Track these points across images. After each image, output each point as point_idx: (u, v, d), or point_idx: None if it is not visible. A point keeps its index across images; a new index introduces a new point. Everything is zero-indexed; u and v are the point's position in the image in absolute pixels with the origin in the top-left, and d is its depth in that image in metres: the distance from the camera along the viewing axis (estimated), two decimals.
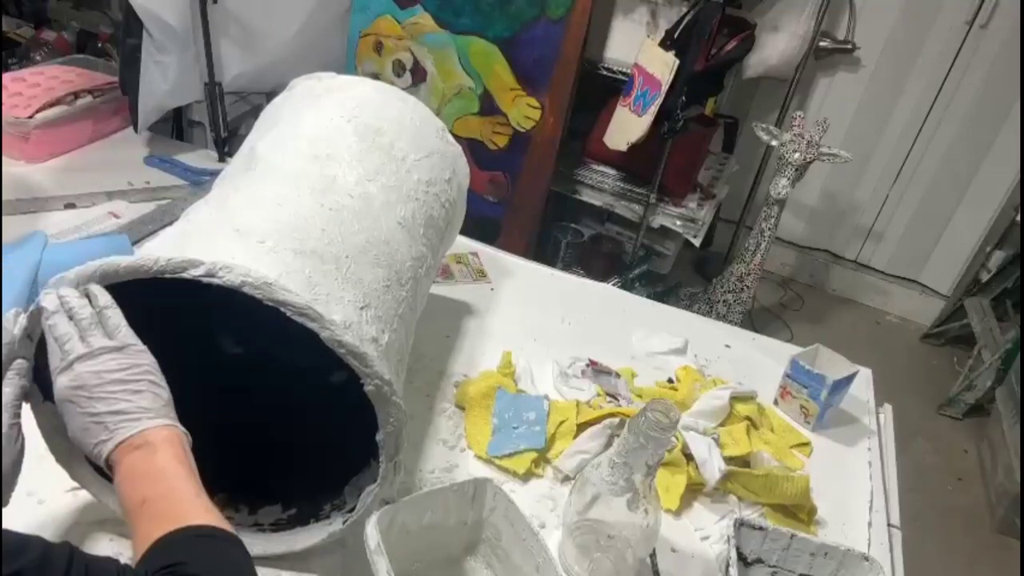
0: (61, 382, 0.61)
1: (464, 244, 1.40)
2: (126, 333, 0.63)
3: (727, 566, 0.79)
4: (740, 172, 2.82)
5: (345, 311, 0.67)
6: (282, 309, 0.63)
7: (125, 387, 0.61)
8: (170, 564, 0.52)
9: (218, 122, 1.68)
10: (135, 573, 0.52)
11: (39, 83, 1.52)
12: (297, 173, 0.80)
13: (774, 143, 2.25)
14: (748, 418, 1.07)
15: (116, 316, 0.63)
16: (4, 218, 1.27)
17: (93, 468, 0.74)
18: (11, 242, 1.17)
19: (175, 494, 0.59)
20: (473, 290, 1.30)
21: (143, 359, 0.63)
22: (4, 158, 1.42)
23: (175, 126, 1.98)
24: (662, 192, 2.29)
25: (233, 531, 0.58)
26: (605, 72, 2.24)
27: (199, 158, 1.60)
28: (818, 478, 0.98)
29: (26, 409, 0.68)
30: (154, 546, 0.54)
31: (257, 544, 0.77)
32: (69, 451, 0.72)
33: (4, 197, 1.30)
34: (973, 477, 2.39)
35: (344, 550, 0.80)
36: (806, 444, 1.10)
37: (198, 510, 0.58)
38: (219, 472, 0.81)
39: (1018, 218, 2.56)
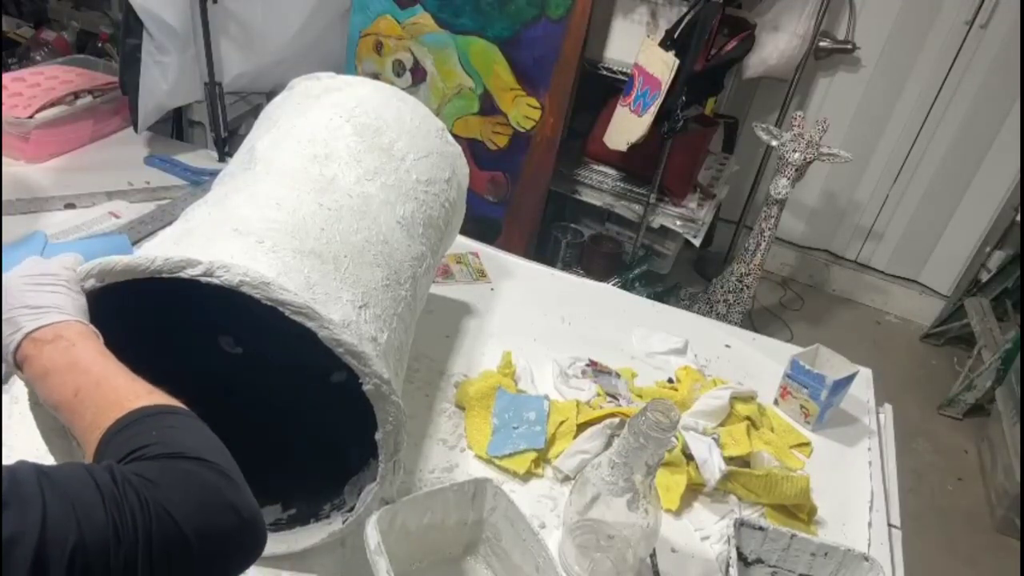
0: None
1: (464, 244, 1.40)
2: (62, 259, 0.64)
3: (727, 566, 0.79)
4: (740, 172, 2.82)
5: (344, 310, 0.67)
6: (281, 308, 0.62)
7: (40, 288, 0.61)
8: (135, 449, 0.48)
9: (218, 122, 1.68)
10: (104, 468, 0.46)
11: (39, 83, 1.52)
12: (296, 173, 0.80)
13: (774, 143, 2.25)
14: (748, 418, 1.07)
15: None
16: (4, 218, 1.27)
17: None
18: (11, 242, 1.17)
19: (110, 381, 0.56)
20: (473, 290, 1.30)
21: (65, 273, 0.63)
22: (4, 158, 1.42)
23: (175, 126, 1.98)
24: (662, 192, 2.29)
25: (183, 406, 0.55)
26: (605, 72, 2.24)
27: (199, 158, 1.60)
28: (818, 478, 0.98)
29: (25, 410, 0.69)
30: (107, 435, 0.51)
31: None
32: (69, 451, 0.72)
33: (4, 197, 1.30)
34: (973, 477, 2.39)
35: (344, 550, 0.80)
36: (806, 444, 1.10)
37: (139, 392, 0.55)
38: None
39: (1018, 218, 2.56)
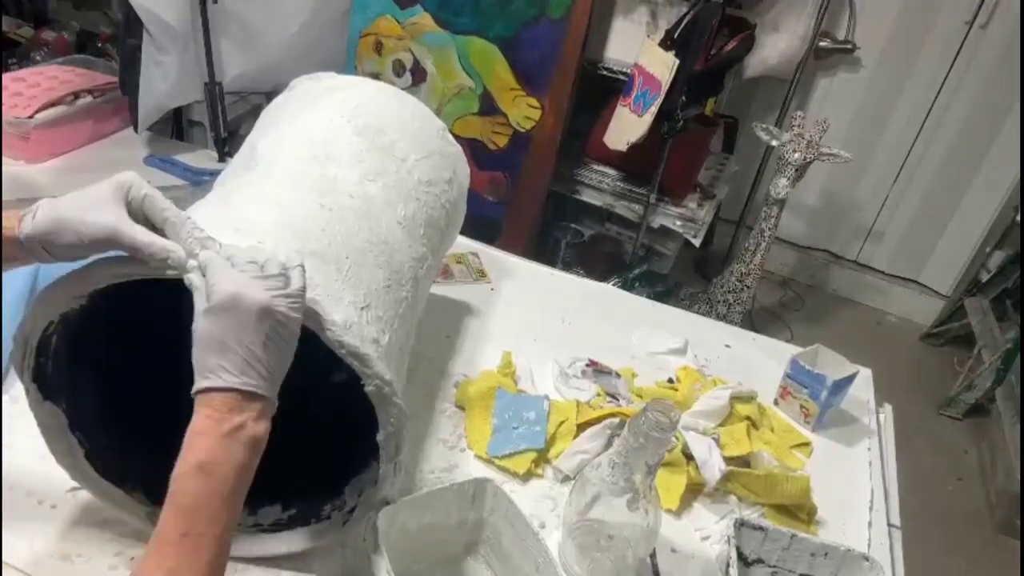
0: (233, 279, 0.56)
1: (464, 244, 1.40)
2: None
3: (727, 566, 0.79)
4: (740, 172, 2.82)
5: (345, 311, 0.67)
6: None
7: (281, 336, 0.57)
8: None
9: (218, 122, 1.69)
10: None
11: (39, 83, 1.52)
12: (297, 173, 0.80)
13: (774, 143, 2.25)
14: (748, 418, 1.07)
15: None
16: None
17: (94, 468, 0.74)
18: None
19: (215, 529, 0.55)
20: (473, 290, 1.30)
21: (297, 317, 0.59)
22: (4, 158, 1.42)
23: (175, 126, 1.99)
24: (662, 192, 2.29)
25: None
26: (605, 72, 2.24)
27: (199, 158, 1.60)
28: (818, 478, 0.98)
29: (25, 410, 0.69)
30: None
31: (257, 544, 0.77)
32: (69, 451, 0.72)
33: (4, 197, 1.30)
34: (973, 477, 2.39)
35: (344, 550, 0.80)
36: (806, 444, 1.10)
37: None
38: None
39: (1018, 218, 2.56)
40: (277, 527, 0.79)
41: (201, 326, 0.57)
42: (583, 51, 2.07)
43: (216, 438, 0.55)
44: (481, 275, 1.35)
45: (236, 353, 0.56)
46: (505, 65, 2.11)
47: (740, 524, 0.83)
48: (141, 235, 0.59)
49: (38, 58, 2.60)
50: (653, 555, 0.86)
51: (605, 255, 2.56)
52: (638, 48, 2.04)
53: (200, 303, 0.57)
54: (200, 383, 0.56)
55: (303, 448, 0.88)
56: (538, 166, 2.22)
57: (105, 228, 0.59)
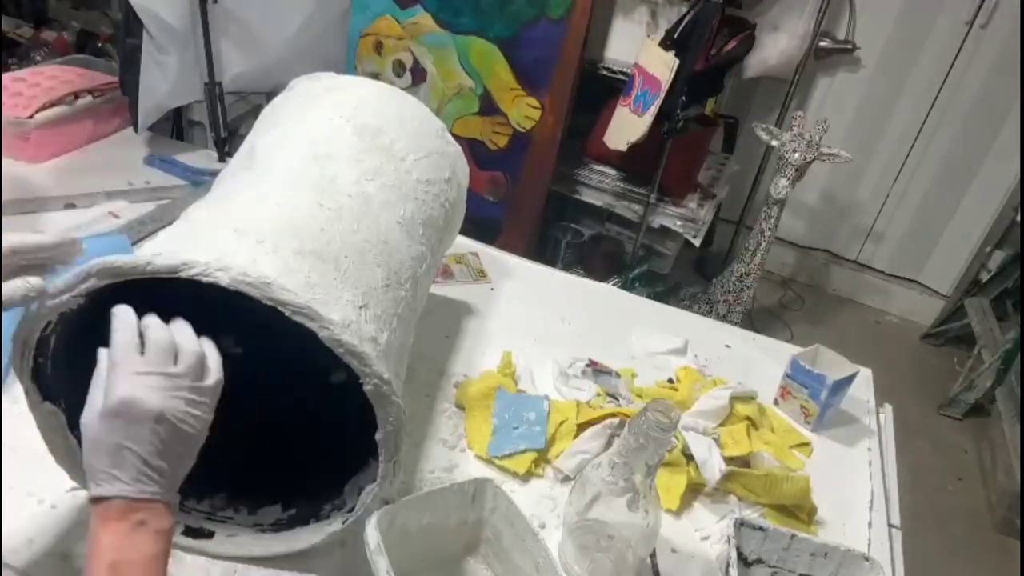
0: (120, 389, 0.55)
1: (464, 244, 1.40)
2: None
3: (727, 566, 0.79)
4: (740, 172, 2.82)
5: (344, 310, 0.67)
6: (281, 308, 0.62)
7: (178, 441, 0.56)
8: None
9: (218, 122, 1.69)
10: None
11: (39, 83, 1.52)
12: (296, 173, 0.80)
13: (774, 143, 2.25)
14: (748, 418, 1.07)
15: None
16: (4, 218, 1.27)
17: None
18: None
19: None
20: (473, 290, 1.30)
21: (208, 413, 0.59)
22: (4, 158, 1.42)
23: (175, 126, 1.99)
24: (662, 192, 2.29)
25: None
26: (605, 72, 2.24)
27: (199, 158, 1.60)
28: (818, 478, 0.98)
29: (25, 410, 0.69)
30: None
31: (257, 544, 0.77)
32: (69, 451, 0.72)
33: (4, 197, 1.30)
34: (973, 477, 2.39)
35: (344, 550, 0.80)
36: (806, 444, 1.10)
37: None
38: (219, 472, 0.81)
39: (1018, 218, 2.56)
40: (277, 527, 0.79)
41: (93, 427, 0.55)
42: (583, 51, 2.07)
43: (119, 537, 0.54)
44: (481, 275, 1.35)
45: (129, 461, 0.54)
46: (505, 65, 2.11)
47: (740, 524, 0.83)
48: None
49: (38, 58, 2.61)
50: (653, 555, 0.86)
51: (605, 255, 2.56)
52: (638, 48, 2.04)
53: (96, 399, 0.56)
54: (93, 490, 0.55)
55: (303, 448, 0.88)
56: (538, 166, 2.22)
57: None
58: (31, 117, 1.42)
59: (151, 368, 0.56)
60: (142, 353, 0.57)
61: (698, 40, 1.96)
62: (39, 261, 0.62)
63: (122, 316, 0.58)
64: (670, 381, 1.16)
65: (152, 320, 0.60)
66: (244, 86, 1.82)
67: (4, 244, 0.58)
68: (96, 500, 0.55)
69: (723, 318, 2.43)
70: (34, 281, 0.59)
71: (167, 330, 0.59)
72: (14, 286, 0.58)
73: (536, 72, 2.10)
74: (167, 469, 0.57)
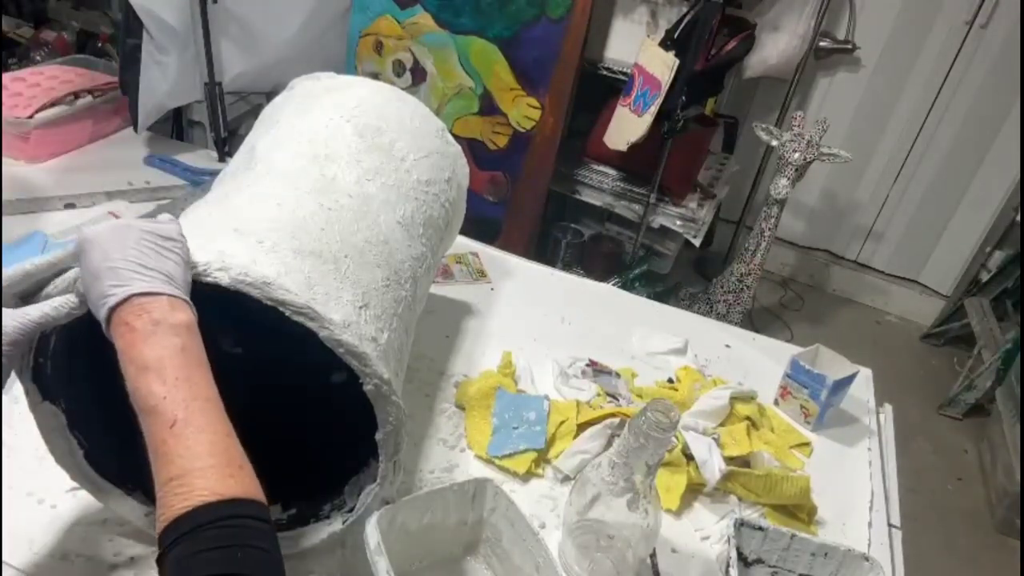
0: (86, 230, 0.57)
1: (464, 244, 1.40)
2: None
3: (727, 566, 0.79)
4: (740, 172, 2.82)
5: (344, 310, 0.67)
6: (281, 308, 0.62)
7: (161, 249, 0.58)
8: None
9: (218, 122, 1.69)
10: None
11: (39, 83, 1.52)
12: (297, 173, 0.80)
13: (774, 143, 2.25)
14: (748, 418, 1.07)
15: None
16: (4, 218, 1.27)
17: (94, 468, 0.74)
18: (10, 242, 1.17)
19: (208, 432, 0.53)
20: (473, 290, 1.30)
21: (184, 243, 0.60)
22: (4, 158, 1.42)
23: (175, 126, 1.99)
24: (662, 192, 2.29)
25: (260, 498, 0.53)
26: (605, 72, 2.24)
27: (199, 158, 1.60)
28: (818, 478, 0.98)
29: (25, 410, 0.68)
30: (176, 535, 0.49)
31: None
32: (69, 451, 0.72)
33: (4, 197, 1.30)
34: (973, 477, 2.39)
35: (344, 550, 0.80)
36: (806, 444, 1.10)
37: (230, 466, 0.53)
38: None
39: (1018, 218, 2.56)
40: (277, 527, 0.79)
41: (82, 278, 0.58)
42: (583, 51, 2.07)
43: (139, 341, 0.54)
44: (481, 275, 1.35)
45: (117, 269, 0.56)
46: (505, 65, 2.11)
47: (740, 524, 0.83)
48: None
49: (38, 58, 2.61)
50: (653, 555, 0.86)
51: (605, 255, 2.56)
52: (638, 48, 2.04)
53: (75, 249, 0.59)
54: (99, 313, 0.56)
55: (303, 448, 0.88)
56: (538, 166, 2.22)
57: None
58: (31, 117, 1.43)
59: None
60: None
61: (698, 40, 1.96)
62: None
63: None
64: (670, 381, 1.16)
65: None
66: (244, 86, 1.82)
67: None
68: (109, 322, 0.56)
69: (723, 318, 2.43)
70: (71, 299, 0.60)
71: None
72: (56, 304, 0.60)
73: (536, 72, 2.10)
74: (160, 265, 0.57)
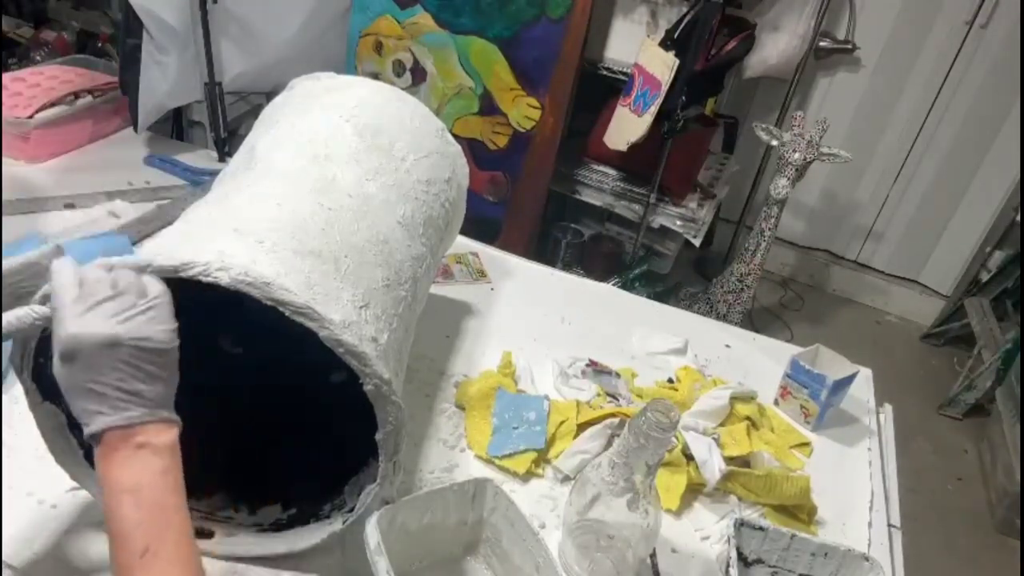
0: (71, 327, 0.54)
1: (464, 244, 1.40)
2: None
3: (727, 566, 0.79)
4: (740, 172, 2.82)
5: (344, 310, 0.67)
6: (281, 308, 0.62)
7: (140, 364, 0.55)
8: None
9: (218, 122, 1.69)
10: None
11: (39, 83, 1.52)
12: (296, 173, 0.80)
13: (774, 143, 2.25)
14: (748, 418, 1.07)
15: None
16: (4, 218, 1.27)
17: (94, 468, 0.74)
18: (9, 243, 1.17)
19: (178, 547, 0.54)
20: (473, 290, 1.30)
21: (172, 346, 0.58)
22: (4, 158, 1.42)
23: (175, 126, 1.98)
24: (662, 192, 2.29)
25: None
26: (605, 72, 2.24)
27: (199, 158, 1.60)
28: (818, 478, 0.98)
29: (25, 410, 0.68)
30: None
31: (257, 544, 0.77)
32: (69, 451, 0.72)
33: (4, 197, 1.30)
34: (973, 477, 2.39)
35: (344, 550, 0.80)
36: (806, 444, 1.10)
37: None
38: (219, 472, 0.81)
39: (1018, 218, 2.56)
40: (277, 527, 0.79)
41: (60, 376, 0.55)
42: (583, 51, 2.07)
43: (124, 465, 0.55)
44: (481, 275, 1.35)
45: (103, 394, 0.54)
46: (505, 65, 2.11)
47: (740, 524, 0.83)
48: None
49: (38, 58, 2.61)
50: (653, 555, 0.86)
51: (605, 255, 2.56)
52: (638, 48, 2.04)
53: (54, 350, 0.56)
54: (86, 431, 0.55)
55: (303, 448, 0.88)
56: (538, 166, 2.22)
57: None
58: (31, 117, 1.42)
59: (89, 301, 0.55)
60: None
61: (698, 40, 1.96)
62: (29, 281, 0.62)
63: (56, 267, 0.57)
64: (670, 381, 1.16)
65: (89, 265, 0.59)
66: (244, 86, 1.81)
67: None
68: (93, 440, 0.55)
69: (723, 318, 2.43)
70: (40, 310, 0.58)
71: (99, 266, 0.59)
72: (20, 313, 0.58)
73: (536, 72, 2.10)
74: (146, 389, 0.56)
